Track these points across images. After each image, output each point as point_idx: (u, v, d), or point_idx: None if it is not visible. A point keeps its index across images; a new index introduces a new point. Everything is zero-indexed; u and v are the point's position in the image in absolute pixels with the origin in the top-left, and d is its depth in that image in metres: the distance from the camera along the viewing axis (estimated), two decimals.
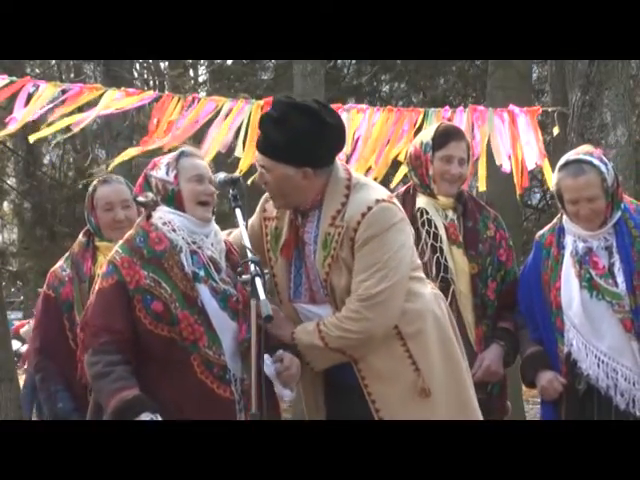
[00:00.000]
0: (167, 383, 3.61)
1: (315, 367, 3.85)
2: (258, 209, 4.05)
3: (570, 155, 4.35)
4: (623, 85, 7.85)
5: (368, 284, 3.73)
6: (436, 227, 4.50)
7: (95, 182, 4.58)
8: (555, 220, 4.46)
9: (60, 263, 4.51)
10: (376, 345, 3.79)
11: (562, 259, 4.33)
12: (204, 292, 3.68)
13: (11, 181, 21.69)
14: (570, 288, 4.27)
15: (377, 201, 3.78)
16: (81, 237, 4.49)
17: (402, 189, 4.73)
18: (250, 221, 4.06)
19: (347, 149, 6.91)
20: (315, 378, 3.94)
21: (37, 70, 16.67)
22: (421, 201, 4.57)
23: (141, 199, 3.79)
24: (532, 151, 7.75)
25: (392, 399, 3.78)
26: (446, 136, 4.62)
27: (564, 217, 4.37)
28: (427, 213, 4.52)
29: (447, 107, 8.03)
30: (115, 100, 6.93)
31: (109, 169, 7.33)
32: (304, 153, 3.76)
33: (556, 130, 8.71)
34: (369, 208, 3.75)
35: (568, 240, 4.33)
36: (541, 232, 4.51)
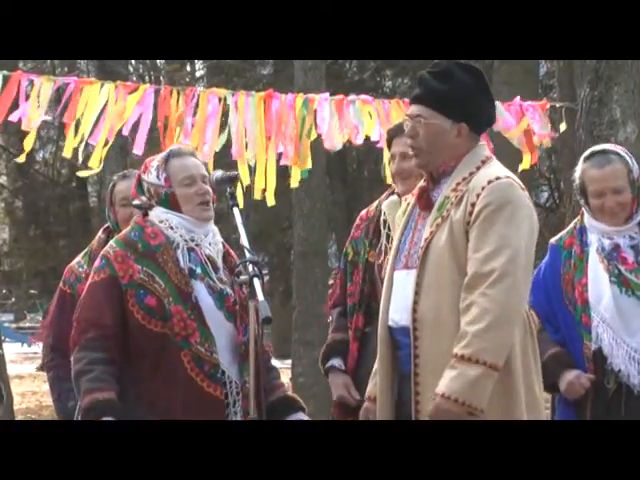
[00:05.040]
0: (158, 380, 3.59)
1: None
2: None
3: (595, 147, 4.33)
4: (633, 81, 7.77)
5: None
6: (389, 228, 4.38)
7: (115, 177, 4.57)
8: (572, 224, 4.39)
9: (78, 259, 4.49)
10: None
11: (587, 256, 4.26)
12: (200, 289, 3.67)
13: (2, 179, 21.61)
14: (599, 283, 4.20)
15: (506, 176, 3.69)
16: (100, 233, 4.51)
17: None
18: None
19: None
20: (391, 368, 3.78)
21: (29, 64, 16.51)
22: (387, 202, 4.47)
23: (137, 202, 3.79)
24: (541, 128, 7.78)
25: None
26: (389, 135, 4.52)
27: (586, 216, 4.30)
28: (385, 214, 4.43)
29: None
30: (120, 101, 6.84)
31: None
32: (465, 107, 3.72)
33: (564, 126, 8.66)
34: (497, 178, 3.66)
35: (592, 238, 4.26)
36: (557, 236, 4.42)
